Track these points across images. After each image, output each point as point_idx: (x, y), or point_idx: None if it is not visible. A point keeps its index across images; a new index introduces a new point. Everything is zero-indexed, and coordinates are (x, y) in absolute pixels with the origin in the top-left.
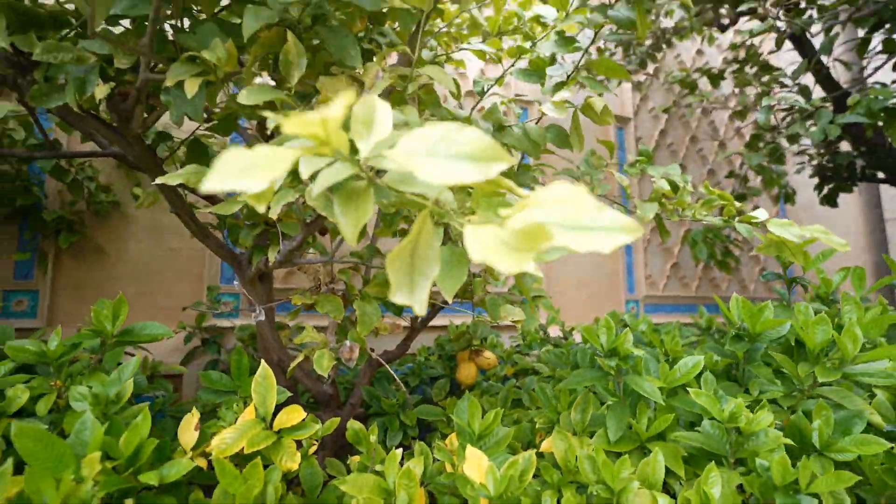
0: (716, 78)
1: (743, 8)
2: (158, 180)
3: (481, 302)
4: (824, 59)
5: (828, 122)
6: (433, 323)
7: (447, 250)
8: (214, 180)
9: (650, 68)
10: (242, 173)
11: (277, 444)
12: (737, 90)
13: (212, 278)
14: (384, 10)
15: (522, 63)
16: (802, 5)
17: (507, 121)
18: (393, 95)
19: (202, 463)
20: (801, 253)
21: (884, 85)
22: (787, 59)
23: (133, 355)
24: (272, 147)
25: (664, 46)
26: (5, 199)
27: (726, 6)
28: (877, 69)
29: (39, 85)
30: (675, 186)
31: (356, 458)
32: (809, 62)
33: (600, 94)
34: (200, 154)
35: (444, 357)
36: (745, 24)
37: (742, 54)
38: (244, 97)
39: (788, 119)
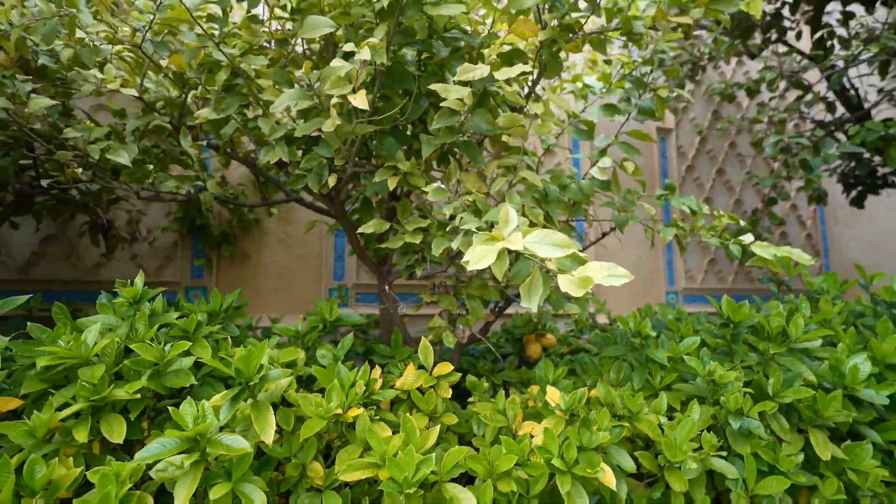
0: (752, 91)
1: (771, 37)
2: (361, 229)
3: (547, 297)
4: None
5: (828, 151)
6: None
7: (541, 280)
8: (472, 262)
9: (688, 89)
10: (480, 259)
11: (438, 384)
12: (761, 114)
13: (327, 277)
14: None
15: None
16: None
17: (566, 181)
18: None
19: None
20: (778, 265)
21: None
22: (817, 74)
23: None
24: (486, 246)
25: (700, 71)
26: (187, 220)
27: (757, 33)
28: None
29: (294, 176)
30: (693, 212)
31: (474, 398)
32: (818, 95)
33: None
34: (369, 210)
35: (511, 340)
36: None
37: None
38: (431, 195)
39: (803, 141)
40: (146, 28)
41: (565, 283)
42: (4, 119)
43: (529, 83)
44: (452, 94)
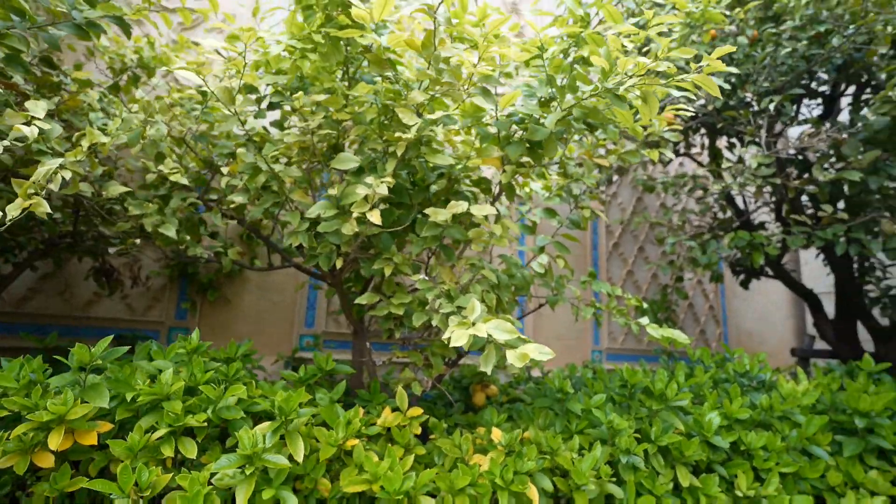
0: (669, 186)
1: (681, 151)
2: (357, 300)
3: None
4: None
5: (711, 251)
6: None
7: (494, 353)
8: (452, 341)
9: (616, 179)
10: (457, 339)
11: (410, 423)
12: (665, 216)
13: (299, 324)
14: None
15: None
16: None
17: (514, 271)
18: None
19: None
20: (665, 342)
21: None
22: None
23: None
24: (461, 329)
25: (626, 170)
26: (179, 267)
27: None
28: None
29: (309, 256)
30: (609, 294)
31: (435, 435)
32: (707, 206)
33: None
34: (361, 282)
35: (458, 388)
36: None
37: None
38: (418, 283)
39: (691, 243)
40: (194, 129)
41: (511, 357)
42: (77, 194)
43: (493, 196)
44: (439, 216)
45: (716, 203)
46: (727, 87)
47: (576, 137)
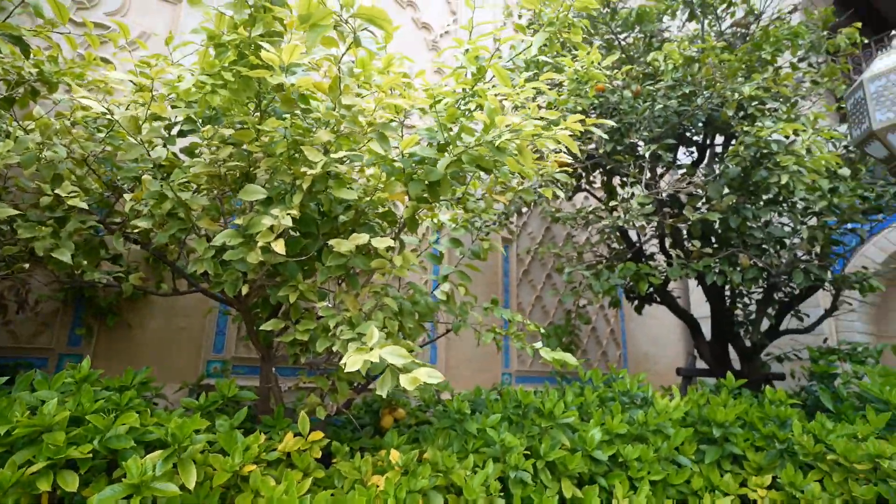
0: (567, 219)
1: (583, 186)
2: (262, 327)
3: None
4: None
5: (604, 280)
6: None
7: (390, 377)
8: (347, 366)
9: (525, 210)
10: (353, 364)
11: (311, 447)
12: (565, 247)
13: (207, 350)
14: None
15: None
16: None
17: (418, 298)
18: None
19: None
20: (558, 364)
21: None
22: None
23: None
24: (357, 355)
25: (534, 202)
26: (73, 290)
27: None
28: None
29: (214, 283)
30: (509, 320)
31: (337, 459)
32: (604, 238)
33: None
34: (269, 308)
35: (369, 412)
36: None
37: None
38: (321, 311)
39: (586, 273)
40: (97, 151)
41: (404, 381)
42: None
43: (397, 228)
44: (342, 247)
45: (611, 235)
46: (605, 136)
47: (482, 175)
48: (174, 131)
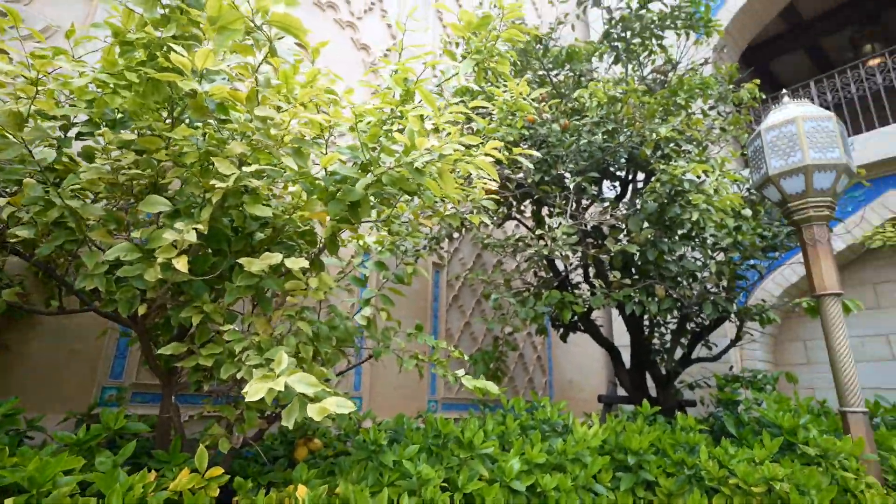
0: (495, 246)
1: (513, 214)
2: (161, 350)
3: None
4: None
5: (530, 307)
6: None
7: (297, 406)
8: (249, 395)
9: (457, 236)
10: (255, 393)
11: (208, 485)
12: (494, 273)
13: (103, 375)
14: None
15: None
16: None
17: (337, 322)
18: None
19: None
20: (480, 392)
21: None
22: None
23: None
24: (260, 383)
25: (465, 228)
26: None
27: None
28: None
29: (106, 300)
30: (434, 346)
31: (239, 496)
32: (531, 266)
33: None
34: (168, 330)
35: (284, 442)
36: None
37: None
38: (227, 335)
39: (511, 300)
40: None
41: (311, 411)
42: None
43: (317, 250)
44: (255, 266)
45: (538, 264)
46: (531, 167)
47: (408, 198)
48: (72, 133)
